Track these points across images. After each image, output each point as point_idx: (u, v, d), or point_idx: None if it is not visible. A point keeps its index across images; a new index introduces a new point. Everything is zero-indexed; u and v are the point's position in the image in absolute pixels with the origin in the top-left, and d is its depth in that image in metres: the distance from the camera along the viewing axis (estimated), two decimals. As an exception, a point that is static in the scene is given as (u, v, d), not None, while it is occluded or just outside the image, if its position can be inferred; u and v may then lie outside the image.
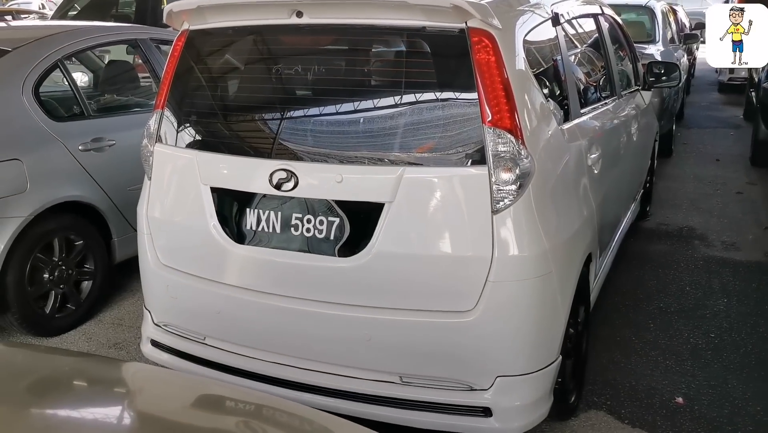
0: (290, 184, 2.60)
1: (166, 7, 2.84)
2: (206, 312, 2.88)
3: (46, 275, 3.86)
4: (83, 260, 4.09)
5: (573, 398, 3.04)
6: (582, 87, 3.45)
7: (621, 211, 4.47)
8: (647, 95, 5.32)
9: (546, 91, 2.84)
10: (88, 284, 4.11)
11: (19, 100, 3.79)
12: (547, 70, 2.98)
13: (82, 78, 4.99)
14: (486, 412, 2.55)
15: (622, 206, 4.50)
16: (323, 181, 2.59)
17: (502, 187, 2.43)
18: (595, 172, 3.22)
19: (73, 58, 4.52)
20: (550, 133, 2.73)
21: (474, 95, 2.44)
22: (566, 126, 2.96)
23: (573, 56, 3.43)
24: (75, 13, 9.37)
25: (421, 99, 2.54)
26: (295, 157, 2.65)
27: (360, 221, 2.56)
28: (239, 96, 2.96)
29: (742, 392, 3.24)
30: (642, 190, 5.48)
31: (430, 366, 2.56)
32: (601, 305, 3.98)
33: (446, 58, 2.56)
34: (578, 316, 3.07)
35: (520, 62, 2.61)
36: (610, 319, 4.01)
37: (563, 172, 2.79)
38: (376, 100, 2.59)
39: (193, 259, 2.91)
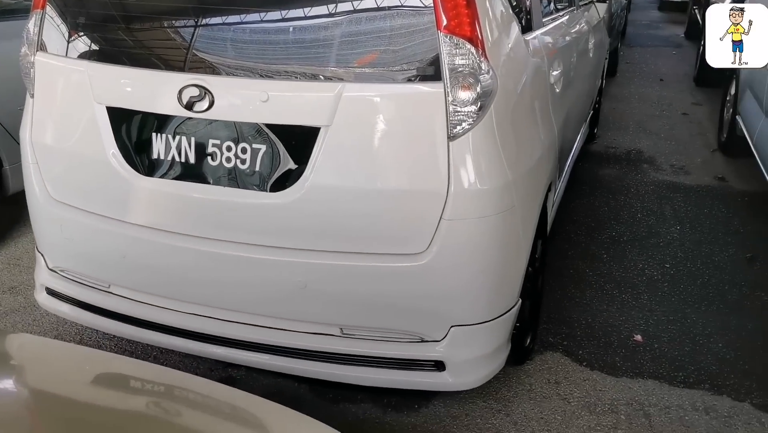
0: (204, 104, 2.13)
1: None
2: (109, 257, 2.44)
3: None
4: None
5: (528, 341, 2.78)
6: (545, 4, 3.05)
7: (576, 131, 4.17)
8: (602, 8, 4.96)
9: (511, 4, 2.42)
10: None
11: None
12: None
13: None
14: (438, 366, 2.24)
15: (578, 127, 4.20)
16: (245, 100, 2.13)
17: (460, 109, 2.03)
18: (557, 90, 2.86)
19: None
20: (513, 44, 2.33)
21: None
22: (529, 37, 2.56)
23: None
24: None
25: (363, 5, 2.08)
26: (210, 70, 2.17)
27: (291, 149, 2.14)
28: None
29: (702, 327, 3.06)
30: (592, 111, 5.20)
31: (374, 317, 2.22)
32: (552, 235, 3.71)
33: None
34: (536, 251, 2.77)
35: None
36: (563, 250, 3.76)
37: (527, 91, 2.41)
38: (309, 2, 2.11)
39: (90, 194, 2.43)
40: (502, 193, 2.13)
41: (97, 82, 2.30)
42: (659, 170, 5.06)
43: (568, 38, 3.39)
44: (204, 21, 2.22)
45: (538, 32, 2.71)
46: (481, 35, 2.06)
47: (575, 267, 3.59)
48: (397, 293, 2.16)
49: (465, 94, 2.04)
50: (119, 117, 2.30)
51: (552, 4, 3.29)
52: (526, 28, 2.57)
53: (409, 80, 2.05)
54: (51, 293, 2.65)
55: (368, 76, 2.07)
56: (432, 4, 2.00)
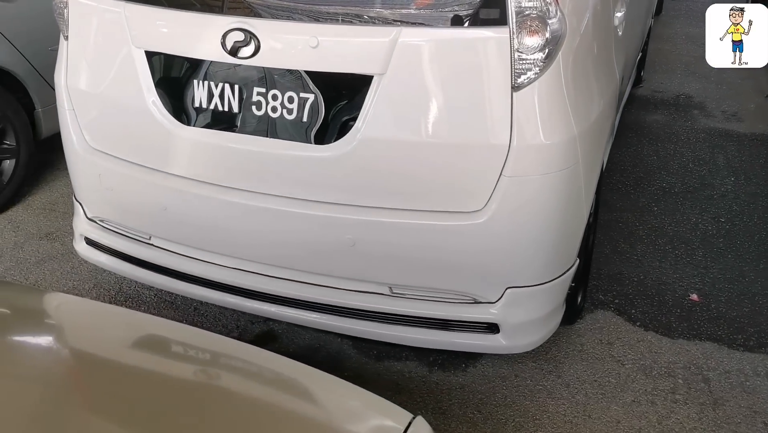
0: (249, 50, 1.99)
1: None
2: (150, 208, 2.35)
3: (-46, 154, 3.23)
4: (2, 136, 3.45)
5: (580, 299, 2.67)
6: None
7: (631, 76, 3.96)
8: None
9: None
10: (11, 164, 3.50)
11: None
12: None
13: None
14: (492, 328, 2.15)
15: (631, 72, 3.98)
16: (293, 46, 1.98)
17: (526, 56, 1.88)
18: (619, 33, 2.66)
19: None
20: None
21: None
22: (595, -25, 2.36)
23: None
24: None
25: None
26: (255, 13, 2.02)
27: (342, 99, 2.01)
28: None
29: (761, 287, 2.92)
30: (640, 54, 4.94)
31: (426, 277, 2.12)
32: (601, 186, 3.56)
33: None
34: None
35: None
36: (610, 201, 3.61)
37: (593, 36, 2.23)
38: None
39: (129, 143, 2.33)
40: (567, 149, 1.98)
41: (135, 24, 2.16)
42: (710, 117, 4.82)
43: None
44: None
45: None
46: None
47: (624, 220, 3.44)
48: (451, 253, 2.05)
49: (532, 40, 1.87)
50: (159, 62, 2.17)
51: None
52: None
53: (471, 24, 1.89)
54: (90, 243, 2.59)
55: (426, 19, 1.90)
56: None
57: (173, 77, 2.18)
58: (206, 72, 2.11)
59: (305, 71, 1.99)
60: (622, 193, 3.72)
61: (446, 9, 1.90)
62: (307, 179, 2.08)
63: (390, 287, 2.17)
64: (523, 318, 2.15)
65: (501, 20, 1.85)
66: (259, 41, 1.98)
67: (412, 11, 1.91)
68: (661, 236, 3.32)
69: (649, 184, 3.84)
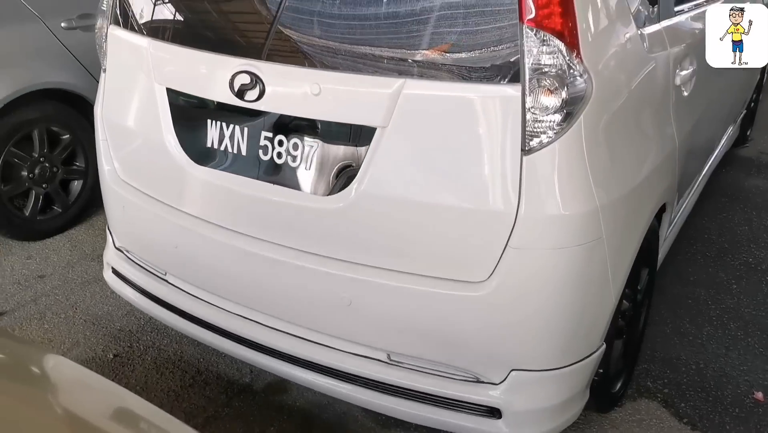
0: (254, 93, 1.93)
1: None
2: (164, 243, 2.33)
3: (24, 173, 3.39)
4: (72, 157, 3.60)
5: (619, 385, 2.39)
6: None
7: (715, 138, 3.60)
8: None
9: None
10: (78, 185, 3.64)
11: (-14, -37, 3.18)
12: None
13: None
14: (494, 412, 1.93)
15: (718, 132, 3.62)
16: (296, 91, 1.90)
17: (540, 117, 1.69)
18: (685, 93, 2.39)
19: None
20: (623, 39, 1.92)
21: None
22: (650, 29, 2.13)
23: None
24: None
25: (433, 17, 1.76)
26: (262, 54, 1.95)
27: (344, 150, 1.89)
28: None
29: None
30: (745, 111, 4.52)
31: (424, 346, 1.95)
32: (674, 254, 3.23)
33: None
34: (639, 281, 2.36)
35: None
36: (684, 273, 3.26)
37: (637, 96, 2.00)
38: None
39: (150, 176, 2.32)
40: (586, 222, 1.76)
41: (158, 61, 2.16)
42: (822, 186, 4.32)
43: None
44: (261, 3, 2.00)
45: (664, 24, 2.25)
46: (576, 30, 1.69)
47: (695, 296, 3.09)
48: (452, 324, 1.87)
49: (548, 100, 1.69)
50: (178, 100, 2.15)
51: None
52: (649, 20, 2.14)
53: (480, 79, 1.72)
54: (116, 273, 2.60)
55: (432, 72, 1.76)
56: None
57: (190, 115, 2.16)
58: (219, 113, 2.06)
59: (309, 118, 1.90)
60: (699, 265, 3.36)
61: (454, 61, 1.75)
62: (305, 230, 1.98)
63: (388, 354, 2.01)
64: (531, 406, 1.92)
65: (513, 77, 1.68)
66: (264, 85, 1.91)
67: (418, 62, 1.77)
68: (735, 319, 2.94)
69: (734, 257, 3.44)
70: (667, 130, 2.22)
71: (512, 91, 1.68)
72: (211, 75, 2.03)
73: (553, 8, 1.66)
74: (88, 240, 3.54)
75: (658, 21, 2.21)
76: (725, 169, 4.39)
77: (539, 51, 1.66)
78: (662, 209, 2.36)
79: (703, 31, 2.60)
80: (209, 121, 2.09)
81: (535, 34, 1.66)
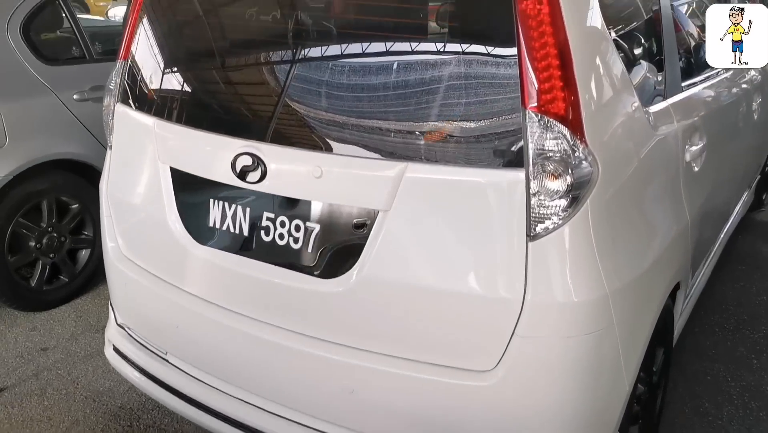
0: (256, 175, 1.91)
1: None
2: (165, 322, 2.29)
3: (32, 243, 3.38)
4: (80, 226, 3.60)
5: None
6: (686, 46, 2.54)
7: (730, 206, 3.53)
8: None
9: (629, 54, 1.99)
10: (86, 254, 3.63)
11: (2, 39, 3.25)
12: (635, 21, 2.11)
13: (86, 18, 4.43)
14: None
15: (732, 200, 3.56)
16: (297, 174, 1.88)
17: (545, 202, 1.65)
18: (696, 169, 2.35)
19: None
20: (627, 119, 1.89)
21: (512, 63, 1.64)
22: (656, 108, 2.10)
23: (678, 10, 2.52)
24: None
25: (432, 63, 1.76)
26: (264, 137, 1.94)
27: (346, 233, 1.86)
28: (206, 47, 2.24)
29: None
30: (759, 176, 4.46)
31: (429, 437, 1.87)
32: (691, 326, 3.13)
33: (475, 5, 1.76)
34: (654, 363, 2.28)
35: (593, 14, 1.78)
36: (701, 347, 3.16)
37: (645, 176, 1.96)
38: (368, 64, 1.83)
39: (152, 254, 2.30)
40: (595, 310, 1.70)
41: (162, 140, 2.17)
42: (843, 253, 4.22)
43: (720, 101, 2.84)
44: (261, 77, 2.01)
45: (671, 100, 2.23)
46: (580, 114, 1.66)
47: (714, 373, 2.99)
48: (457, 414, 1.80)
49: (553, 185, 1.65)
50: (181, 179, 2.14)
51: (702, 56, 2.74)
52: (655, 97, 2.12)
53: (484, 164, 1.70)
54: (117, 351, 2.55)
55: (436, 153, 1.74)
56: (517, 75, 1.64)
57: (193, 195, 2.14)
58: (221, 193, 2.05)
59: (310, 201, 1.87)
60: (717, 338, 3.26)
61: (457, 145, 1.73)
62: (306, 313, 1.93)
63: (392, 443, 1.94)
64: (541, 501, 1.83)
65: (517, 161, 1.65)
66: (265, 166, 1.89)
67: (421, 146, 1.75)
68: (756, 397, 2.83)
69: (753, 330, 3.34)
70: (677, 208, 2.17)
71: (516, 176, 1.65)
72: (214, 156, 2.02)
73: (556, 93, 1.64)
74: (94, 310, 3.51)
75: (665, 98, 2.19)
76: (741, 236, 4.31)
77: (543, 136, 1.64)
78: (676, 287, 2.29)
79: (713, 103, 2.59)
80: (212, 200, 2.07)
81: (539, 120, 1.63)
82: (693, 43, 2.71)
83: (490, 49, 1.70)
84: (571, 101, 1.65)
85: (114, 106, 2.37)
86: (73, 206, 3.52)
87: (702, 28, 2.91)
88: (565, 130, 1.64)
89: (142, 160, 2.26)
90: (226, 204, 2.04)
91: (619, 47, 1.89)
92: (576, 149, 1.65)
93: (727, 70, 2.92)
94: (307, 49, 1.92)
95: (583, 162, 1.66)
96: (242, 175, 1.93)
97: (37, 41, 3.41)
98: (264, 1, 2.08)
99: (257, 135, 1.94)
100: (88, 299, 3.62)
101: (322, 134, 1.87)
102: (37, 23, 3.44)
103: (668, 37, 2.24)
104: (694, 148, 2.31)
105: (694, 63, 2.64)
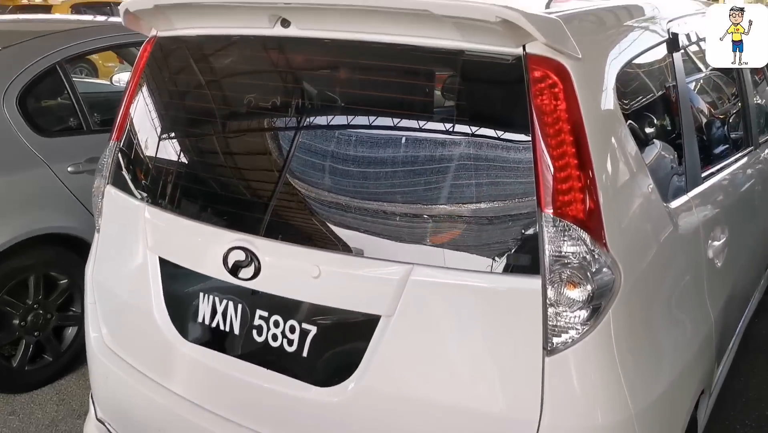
0: (249, 271, 1.78)
1: (122, 5, 2.09)
2: (147, 424, 2.11)
3: (16, 321, 3.22)
4: (69, 302, 3.44)
5: None
6: (705, 140, 2.44)
7: (749, 295, 3.37)
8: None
9: (650, 153, 1.88)
10: (72, 331, 3.46)
11: (-4, 111, 3.17)
12: (655, 120, 2.01)
13: (90, 82, 4.38)
14: None
15: (752, 288, 3.40)
16: (294, 272, 1.74)
17: (564, 313, 1.51)
18: (719, 265, 2.21)
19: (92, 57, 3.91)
20: (650, 220, 1.77)
21: (528, 163, 1.53)
22: (677, 203, 1.98)
23: (694, 95, 2.43)
24: None
25: (444, 161, 1.64)
26: (259, 230, 1.81)
27: (345, 338, 1.72)
28: (201, 134, 2.13)
29: None
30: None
31: None
32: (711, 423, 2.93)
33: (489, 101, 1.66)
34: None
35: (611, 113, 1.67)
36: (723, 446, 2.96)
37: (667, 282, 1.83)
38: (373, 158, 1.71)
39: (137, 347, 2.15)
40: (618, 431, 1.54)
41: (152, 228, 2.04)
42: None
43: (738, 187, 2.72)
44: (258, 167, 1.90)
45: (692, 193, 2.11)
46: (601, 217, 1.53)
47: (738, 477, 2.78)
48: None
49: (573, 294, 1.51)
50: (170, 270, 2.01)
51: (721, 149, 2.65)
52: (676, 191, 2.00)
53: (497, 269, 1.56)
54: (95, 448, 2.37)
55: (444, 256, 1.61)
56: (532, 175, 1.52)
57: (182, 287, 2.01)
58: (212, 287, 1.91)
59: (307, 302, 1.73)
60: (739, 436, 3.06)
61: (468, 247, 1.59)
62: (297, 422, 1.77)
63: None
64: None
65: (532, 268, 1.52)
66: (259, 263, 1.76)
67: (428, 247, 1.62)
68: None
69: (776, 427, 3.14)
70: (701, 311, 2.02)
71: (532, 283, 1.51)
72: (205, 248, 1.89)
73: (575, 195, 1.52)
74: (77, 393, 3.32)
75: (686, 191, 2.06)
76: (758, 319, 4.12)
77: (560, 240, 1.51)
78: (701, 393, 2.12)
79: (732, 190, 2.47)
80: (201, 294, 1.93)
81: (555, 223, 1.51)
82: (709, 128, 2.61)
83: (503, 147, 1.59)
84: (590, 204, 1.52)
85: (104, 187, 2.25)
86: (62, 282, 3.37)
87: (714, 105, 2.83)
88: (585, 235, 1.51)
89: (131, 246, 2.13)
90: (217, 299, 1.90)
91: (637, 140, 1.78)
92: (596, 255, 1.52)
93: (742, 149, 2.82)
94: (304, 141, 1.81)
95: (605, 269, 1.53)
96: (234, 270, 1.79)
97: (33, 112, 3.32)
98: (262, 89, 1.99)
99: (251, 228, 1.81)
100: (72, 380, 3.43)
101: (320, 230, 1.74)
102: (35, 93, 3.37)
103: (687, 128, 2.13)
104: (716, 243, 2.18)
105: (712, 148, 2.54)
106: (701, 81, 2.68)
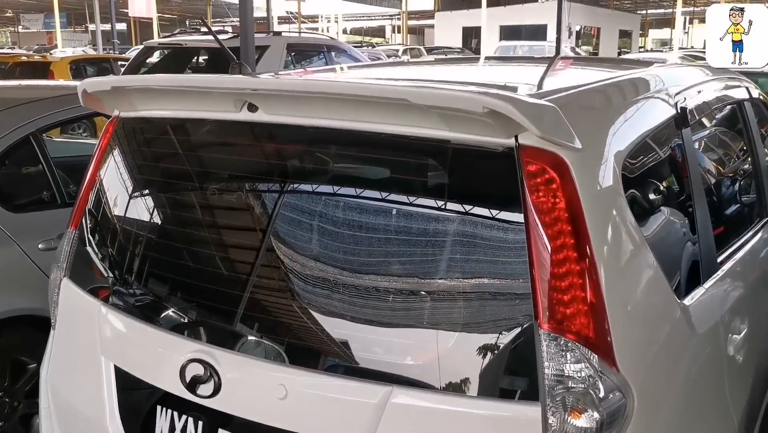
0: (209, 388, 1.56)
1: (79, 85, 1.92)
2: None
3: (-23, 410, 2.99)
4: (38, 388, 3.20)
5: None
6: (719, 220, 2.24)
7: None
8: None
9: (662, 245, 1.68)
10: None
11: (-39, 186, 3.00)
12: (665, 208, 1.81)
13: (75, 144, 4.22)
14: None
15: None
16: (257, 392, 1.53)
17: (569, 446, 1.29)
18: (740, 360, 1.99)
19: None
20: (664, 326, 1.55)
21: (523, 270, 1.33)
22: (693, 299, 1.76)
23: (707, 172, 2.24)
24: (145, 69, 8.82)
25: (427, 268, 1.44)
26: (220, 340, 1.60)
27: (315, 468, 1.49)
28: (163, 226, 1.93)
29: None
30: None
31: None
32: None
33: (478, 198, 1.46)
34: None
35: (617, 207, 1.48)
36: None
37: (687, 394, 1.60)
38: (353, 263, 1.51)
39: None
40: None
41: (108, 330, 1.83)
42: None
43: (761, 270, 2.48)
44: (223, 277, 1.69)
45: (709, 284, 1.89)
46: (608, 331, 1.33)
47: None
48: None
49: (578, 423, 1.29)
50: (126, 378, 1.79)
51: (736, 228, 2.41)
52: (690, 285, 1.79)
53: (490, 394, 1.34)
54: None
55: (427, 379, 1.39)
56: (528, 285, 1.32)
57: (138, 399, 1.78)
58: (171, 400, 1.69)
59: (271, 426, 1.51)
60: None
61: (455, 368, 1.38)
62: None
63: None
64: None
65: (530, 393, 1.30)
66: (219, 379, 1.54)
67: (411, 364, 1.41)
68: None
69: None
70: (725, 420, 1.80)
71: (530, 411, 1.30)
72: (162, 358, 1.68)
73: (578, 306, 1.31)
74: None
75: (702, 283, 1.85)
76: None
77: (561, 361, 1.30)
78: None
79: (751, 281, 2.25)
80: (160, 408, 1.71)
81: (555, 340, 1.30)
82: (723, 206, 2.41)
83: (494, 251, 1.39)
84: (596, 316, 1.32)
85: (60, 280, 2.05)
86: (31, 366, 3.14)
87: (726, 178, 2.63)
88: (590, 354, 1.30)
89: (86, 349, 1.92)
90: (176, 414, 1.68)
91: (646, 233, 1.58)
92: (604, 376, 1.31)
93: (756, 222, 2.61)
94: (275, 240, 1.61)
95: (615, 392, 1.31)
96: (192, 386, 1.58)
97: (3, 186, 3.15)
98: (230, 177, 1.80)
99: (212, 337, 1.61)
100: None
101: (287, 344, 1.53)
102: (6, 167, 3.20)
103: (701, 212, 1.93)
104: (736, 336, 1.96)
105: (727, 228, 2.33)
106: (713, 154, 2.49)
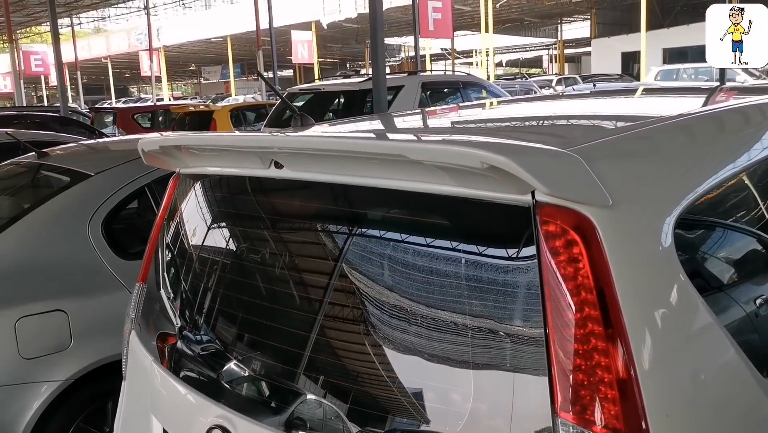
0: (234, 454, 1.49)
1: (139, 144, 1.98)
2: None
3: (92, 449, 3.16)
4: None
5: None
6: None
7: None
8: None
9: (732, 316, 1.39)
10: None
11: (81, 237, 3.21)
12: (735, 272, 1.50)
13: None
14: None
15: None
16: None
17: None
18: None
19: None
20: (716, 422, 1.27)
21: (539, 350, 1.14)
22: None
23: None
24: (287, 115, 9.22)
25: (440, 342, 1.28)
26: (244, 406, 1.53)
27: None
28: (209, 285, 1.88)
29: None
30: None
31: None
32: None
33: (489, 263, 1.28)
34: None
35: (666, 275, 1.23)
36: None
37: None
38: (367, 328, 1.38)
39: None
40: None
41: (156, 388, 1.84)
42: None
43: None
44: (259, 345, 1.63)
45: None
46: (647, 426, 1.10)
47: None
48: None
49: None
50: (171, 435, 1.78)
51: None
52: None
53: None
54: None
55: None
56: (545, 367, 1.13)
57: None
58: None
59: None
60: None
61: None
62: None
63: None
64: None
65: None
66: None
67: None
68: None
69: None
70: None
71: None
72: (192, 420, 1.65)
73: (607, 391, 1.10)
74: None
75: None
76: None
77: (585, 459, 1.09)
78: None
79: None
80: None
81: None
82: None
83: (507, 325, 1.21)
84: (629, 403, 1.10)
85: (129, 333, 2.11)
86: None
87: None
88: (621, 454, 1.08)
89: (143, 404, 1.94)
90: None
91: (712, 305, 1.31)
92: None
93: None
94: (310, 318, 1.51)
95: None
96: (221, 449, 1.52)
97: (118, 236, 3.35)
98: (278, 238, 1.74)
99: (234, 404, 1.54)
100: None
101: (313, 419, 1.42)
102: (121, 217, 3.40)
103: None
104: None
105: None
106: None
